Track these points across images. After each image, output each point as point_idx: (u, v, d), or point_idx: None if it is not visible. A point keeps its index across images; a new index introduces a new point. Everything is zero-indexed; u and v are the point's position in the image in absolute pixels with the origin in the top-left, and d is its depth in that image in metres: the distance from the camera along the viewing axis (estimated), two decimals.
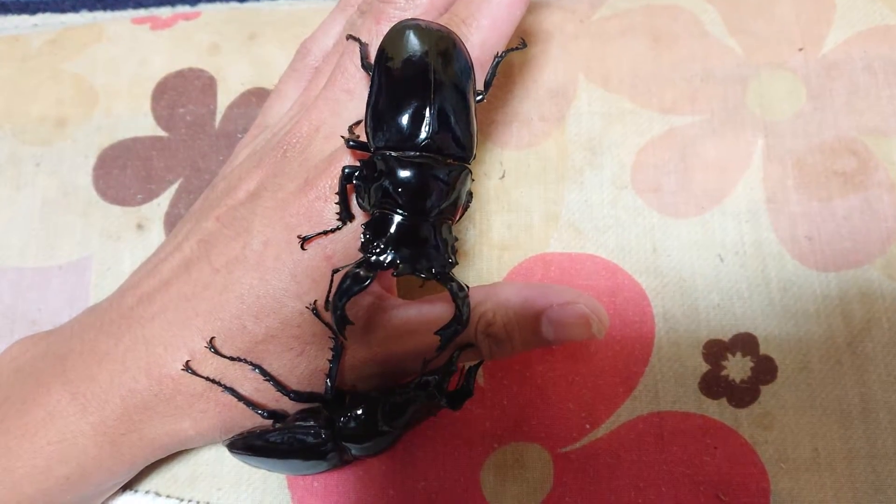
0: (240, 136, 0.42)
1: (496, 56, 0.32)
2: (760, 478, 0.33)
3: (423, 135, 0.28)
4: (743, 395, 0.34)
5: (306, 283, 0.30)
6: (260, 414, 0.32)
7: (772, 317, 0.35)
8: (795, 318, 0.35)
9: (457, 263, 0.29)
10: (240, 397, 0.31)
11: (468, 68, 0.30)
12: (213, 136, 0.42)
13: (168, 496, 0.35)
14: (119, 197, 0.41)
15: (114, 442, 0.31)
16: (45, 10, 0.47)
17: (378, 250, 0.28)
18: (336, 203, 0.30)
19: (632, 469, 0.34)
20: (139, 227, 0.40)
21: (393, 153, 0.28)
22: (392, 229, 0.28)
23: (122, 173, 0.41)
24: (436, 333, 0.29)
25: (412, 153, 0.28)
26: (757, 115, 0.38)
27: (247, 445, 0.33)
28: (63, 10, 0.47)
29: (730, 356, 0.35)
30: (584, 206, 0.38)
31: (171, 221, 0.40)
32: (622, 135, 0.39)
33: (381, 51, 0.30)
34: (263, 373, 0.31)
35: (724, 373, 0.35)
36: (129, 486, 0.35)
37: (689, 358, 0.35)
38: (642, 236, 0.37)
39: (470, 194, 0.30)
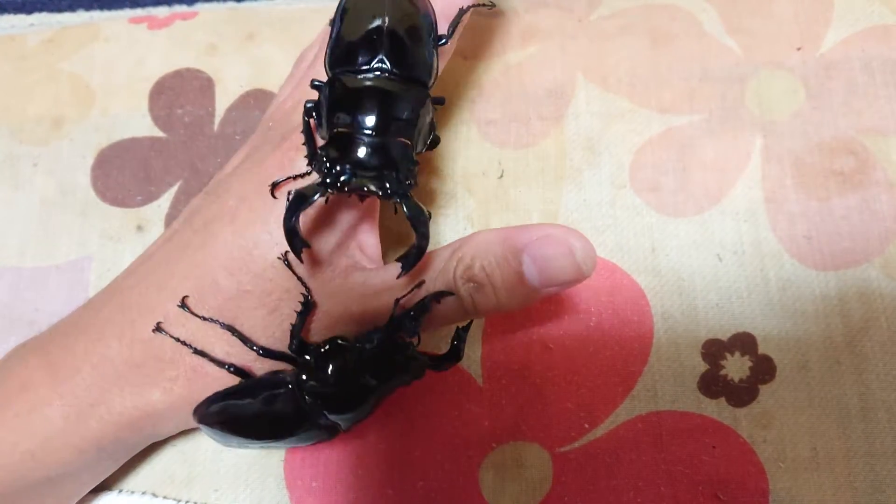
0: (238, 138, 0.41)
1: (461, 10, 0.33)
2: (759, 477, 0.33)
3: (376, 56, 0.29)
4: (742, 394, 0.34)
5: (278, 232, 0.29)
6: (227, 369, 0.31)
7: (770, 316, 0.35)
8: (794, 317, 0.35)
9: (415, 185, 0.29)
10: (208, 357, 0.31)
11: (427, 12, 0.31)
12: (211, 137, 0.42)
13: (165, 497, 0.35)
14: (118, 198, 0.41)
15: (80, 413, 0.31)
16: (41, 10, 0.47)
17: (330, 168, 0.28)
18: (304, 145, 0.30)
19: (631, 469, 0.33)
20: (139, 228, 0.40)
21: (348, 75, 0.29)
22: (345, 146, 0.28)
23: (121, 174, 0.41)
24: (397, 260, 0.29)
25: (367, 74, 0.29)
26: (755, 114, 0.38)
27: (217, 416, 0.31)
28: (60, 10, 0.47)
29: (728, 356, 0.35)
30: (583, 205, 0.38)
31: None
32: (621, 134, 0.39)
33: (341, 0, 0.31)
34: (231, 330, 0.30)
35: (722, 372, 0.35)
36: (125, 486, 0.35)
37: (688, 357, 0.35)
38: (641, 236, 0.37)
39: (433, 126, 0.30)
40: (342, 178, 0.27)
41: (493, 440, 0.34)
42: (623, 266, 0.37)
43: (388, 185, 0.27)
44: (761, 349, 0.35)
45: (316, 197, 0.27)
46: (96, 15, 0.46)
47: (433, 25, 0.31)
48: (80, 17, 0.46)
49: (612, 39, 0.41)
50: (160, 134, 0.42)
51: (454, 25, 0.32)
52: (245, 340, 0.31)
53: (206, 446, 0.36)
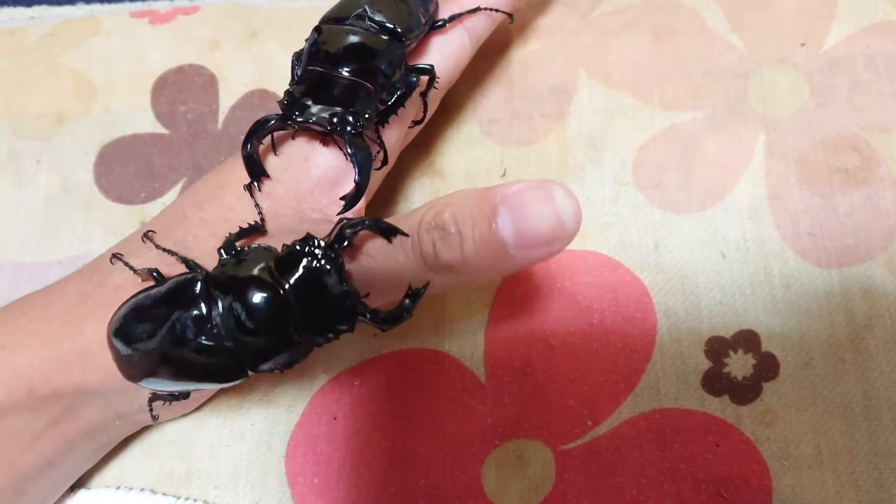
0: (242, 137, 0.41)
1: (469, 10, 0.35)
2: (762, 475, 0.33)
3: (357, 8, 0.32)
4: (745, 392, 0.34)
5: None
6: (152, 275, 0.29)
7: (774, 314, 0.35)
8: (798, 314, 0.35)
9: (364, 127, 0.29)
10: (137, 271, 0.30)
11: None
12: (215, 136, 0.41)
13: (164, 494, 0.35)
14: (122, 195, 0.41)
15: (17, 345, 0.30)
16: (41, 3, 0.47)
17: (289, 102, 0.29)
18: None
19: (634, 466, 0.33)
20: (143, 224, 0.40)
21: (331, 24, 0.32)
22: (306, 82, 0.30)
23: (124, 171, 0.41)
24: (341, 199, 0.30)
25: (346, 24, 0.32)
26: (759, 111, 0.38)
27: (122, 316, 0.28)
28: (60, 3, 0.47)
29: (732, 353, 0.35)
30: (586, 202, 0.38)
31: None
32: (623, 131, 0.39)
33: None
34: (172, 253, 0.29)
35: (726, 370, 0.34)
36: (122, 482, 0.35)
37: (691, 355, 0.35)
38: (644, 233, 0.37)
39: (407, 81, 0.32)
40: (295, 112, 0.29)
41: (496, 437, 0.34)
42: (626, 263, 0.37)
43: (336, 121, 0.29)
44: (765, 347, 0.35)
45: (271, 124, 0.29)
46: (97, 8, 0.46)
47: (431, 8, 0.34)
48: (81, 10, 0.46)
49: (615, 36, 0.41)
50: (163, 130, 0.42)
51: (458, 13, 0.34)
52: (185, 262, 0.29)
53: (205, 442, 0.36)
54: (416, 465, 0.34)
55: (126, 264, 0.30)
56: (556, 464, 0.34)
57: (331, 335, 0.26)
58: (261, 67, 0.43)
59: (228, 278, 0.26)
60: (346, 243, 0.26)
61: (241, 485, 0.35)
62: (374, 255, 0.27)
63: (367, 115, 0.30)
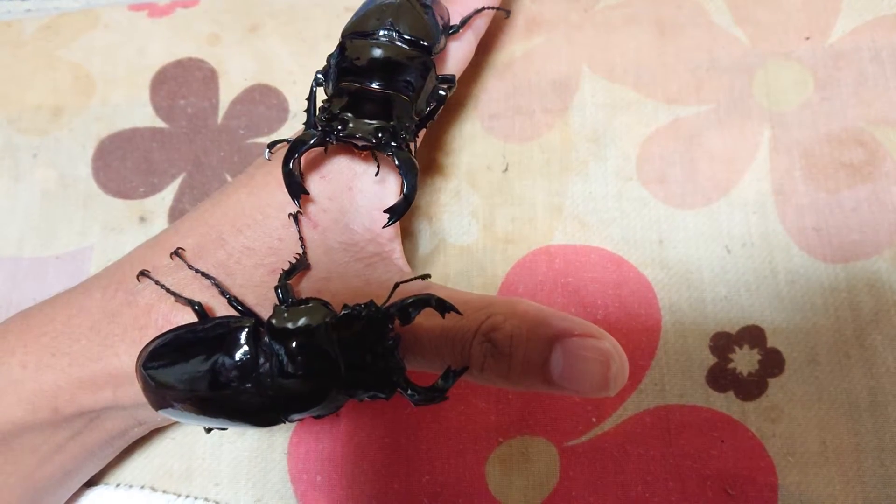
0: (242, 132, 0.41)
1: (475, 10, 0.35)
2: (768, 471, 0.33)
3: (384, 24, 0.31)
4: (750, 388, 0.34)
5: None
6: (194, 308, 0.29)
7: (779, 309, 0.35)
8: (803, 310, 0.35)
9: (407, 139, 0.29)
10: (179, 296, 0.29)
11: (440, 5, 0.34)
12: (215, 130, 0.41)
13: (164, 491, 0.35)
14: (121, 190, 0.40)
15: (40, 363, 0.29)
16: None
17: (328, 118, 0.29)
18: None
19: (638, 463, 0.33)
20: (142, 219, 0.40)
21: (358, 38, 0.31)
22: (345, 98, 0.29)
23: (123, 165, 0.41)
24: (385, 211, 0.29)
25: (374, 38, 0.31)
26: (763, 105, 0.38)
27: (158, 349, 0.28)
28: None
29: (737, 349, 0.34)
30: (589, 197, 0.38)
31: (177, 216, 0.39)
32: (627, 126, 0.39)
33: None
34: (208, 277, 0.29)
35: (731, 365, 0.34)
36: (122, 480, 0.35)
37: (696, 351, 0.35)
38: (648, 228, 0.37)
39: (437, 91, 0.32)
40: (338, 127, 0.28)
41: (500, 434, 0.34)
42: (630, 259, 0.36)
43: (381, 135, 0.28)
44: (770, 342, 0.34)
45: (313, 142, 0.29)
46: (93, 1, 0.46)
47: (444, 16, 0.33)
48: (78, 2, 0.46)
49: (619, 30, 0.40)
50: (162, 125, 0.41)
51: (466, 19, 0.34)
52: (227, 298, 0.29)
53: (205, 440, 0.35)
54: (420, 462, 0.34)
55: (161, 286, 0.29)
56: (561, 460, 0.34)
57: (366, 397, 0.27)
58: (261, 62, 0.42)
59: (286, 330, 0.26)
60: (407, 320, 0.26)
61: (242, 482, 0.35)
62: (425, 332, 0.27)
63: (407, 125, 0.29)
